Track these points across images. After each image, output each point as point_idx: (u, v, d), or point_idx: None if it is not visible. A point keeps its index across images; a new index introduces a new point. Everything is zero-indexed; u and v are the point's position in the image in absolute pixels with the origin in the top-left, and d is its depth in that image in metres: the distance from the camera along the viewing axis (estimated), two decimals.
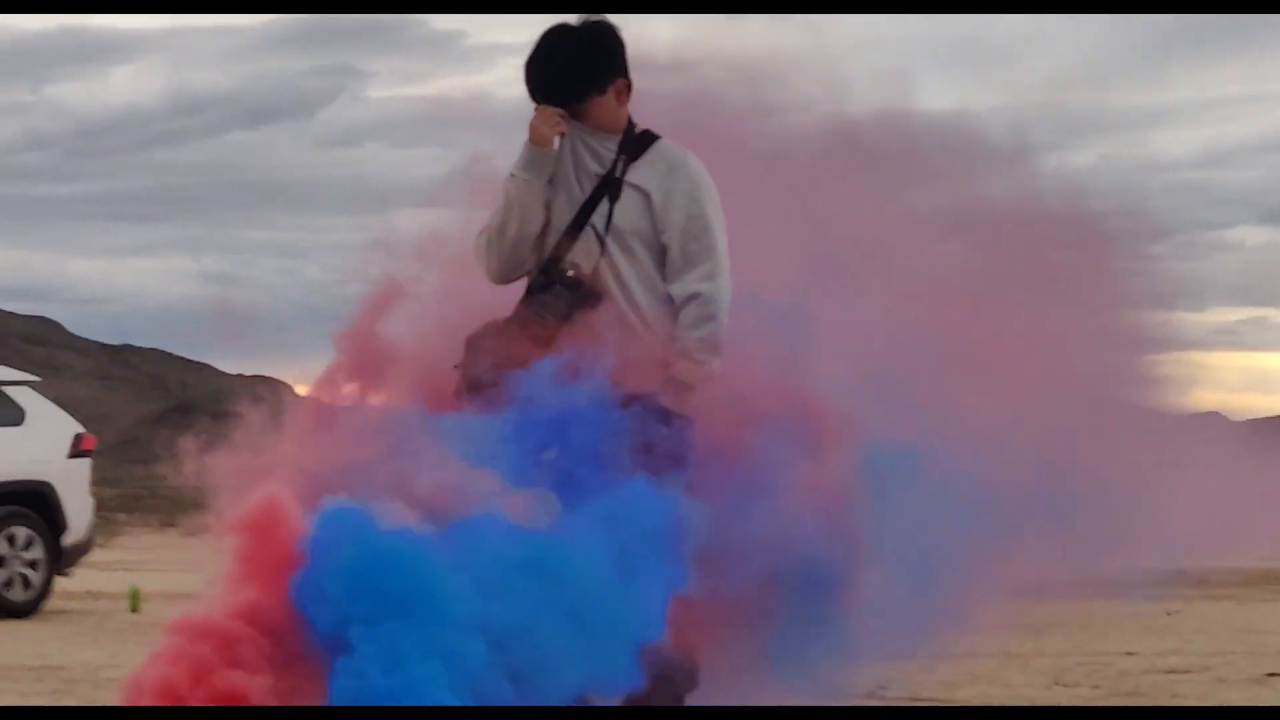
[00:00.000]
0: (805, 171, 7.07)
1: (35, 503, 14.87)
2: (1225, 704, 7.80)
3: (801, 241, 6.94)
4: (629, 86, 5.96)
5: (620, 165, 5.90)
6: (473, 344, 5.89)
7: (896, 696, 7.86)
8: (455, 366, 5.91)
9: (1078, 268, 8.56)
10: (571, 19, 5.97)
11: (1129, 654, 9.84)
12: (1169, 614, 12.50)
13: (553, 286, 5.84)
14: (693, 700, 6.04)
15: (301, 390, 6.28)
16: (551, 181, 5.92)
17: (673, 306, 5.90)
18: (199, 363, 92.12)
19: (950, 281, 7.68)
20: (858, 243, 7.15)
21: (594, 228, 5.89)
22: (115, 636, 11.07)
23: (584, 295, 5.84)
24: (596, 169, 5.92)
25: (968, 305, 7.63)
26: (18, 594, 14.64)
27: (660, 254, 5.90)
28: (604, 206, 5.88)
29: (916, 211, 7.62)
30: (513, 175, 5.90)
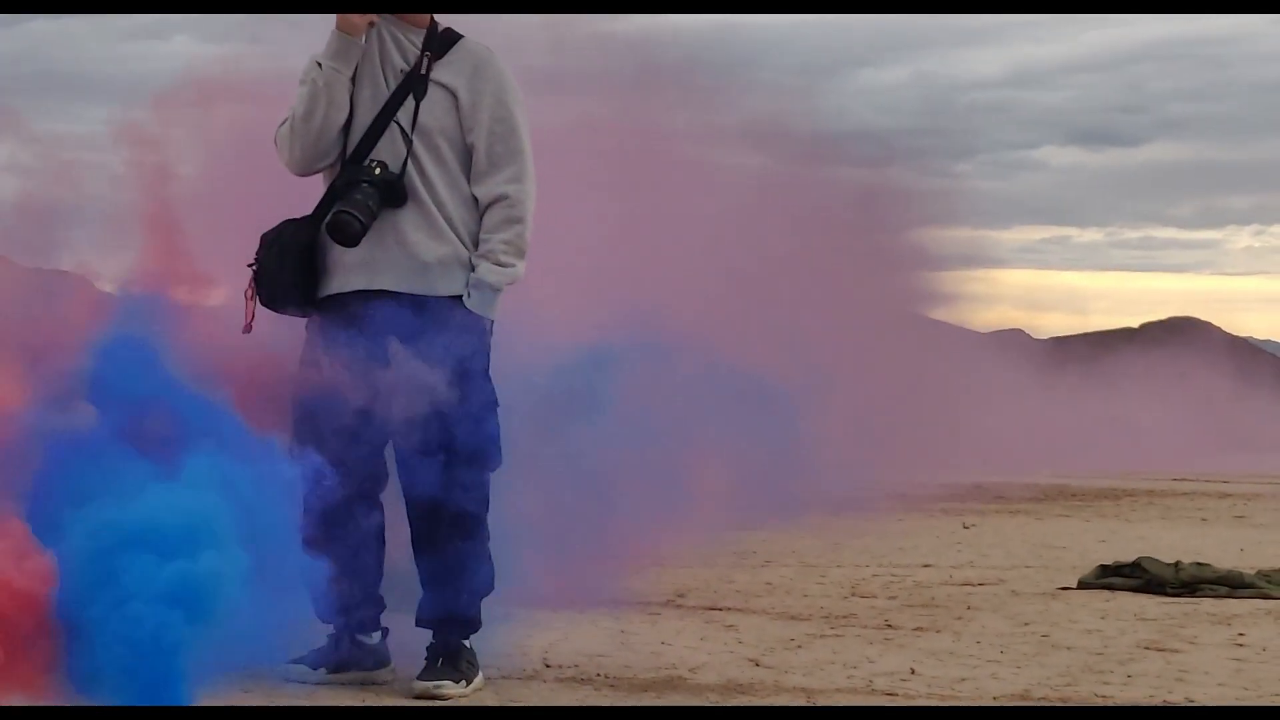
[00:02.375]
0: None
1: None
2: (1017, 616, 7.91)
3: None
4: None
5: (425, 62, 5.79)
6: (269, 242, 5.77)
7: (695, 605, 7.89)
8: (250, 265, 5.78)
9: (878, 186, 8.61)
10: None
11: (926, 566, 9.95)
12: (966, 528, 12.66)
13: (360, 184, 5.70)
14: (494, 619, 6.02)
15: (103, 287, 6.12)
16: (355, 75, 5.79)
17: (478, 208, 5.82)
18: None
19: (747, 200, 7.69)
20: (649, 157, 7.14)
21: (399, 125, 5.77)
22: None
23: (391, 193, 5.72)
24: (402, 65, 5.81)
25: (764, 224, 7.64)
26: None
27: (466, 155, 5.82)
28: (409, 104, 5.77)
29: (711, 127, 7.61)
30: (319, 64, 5.76)
